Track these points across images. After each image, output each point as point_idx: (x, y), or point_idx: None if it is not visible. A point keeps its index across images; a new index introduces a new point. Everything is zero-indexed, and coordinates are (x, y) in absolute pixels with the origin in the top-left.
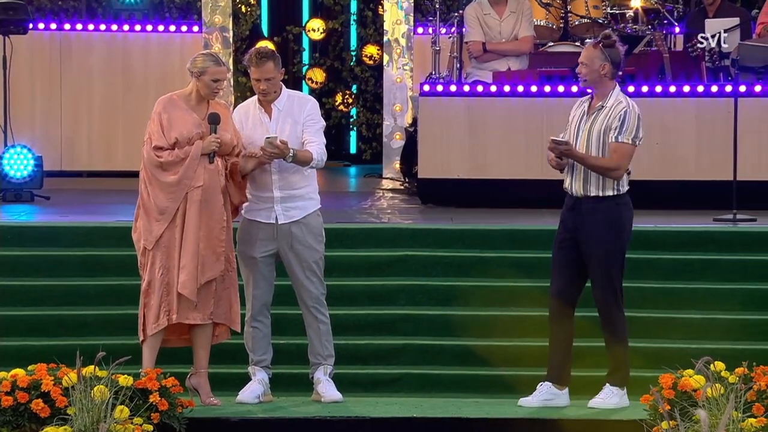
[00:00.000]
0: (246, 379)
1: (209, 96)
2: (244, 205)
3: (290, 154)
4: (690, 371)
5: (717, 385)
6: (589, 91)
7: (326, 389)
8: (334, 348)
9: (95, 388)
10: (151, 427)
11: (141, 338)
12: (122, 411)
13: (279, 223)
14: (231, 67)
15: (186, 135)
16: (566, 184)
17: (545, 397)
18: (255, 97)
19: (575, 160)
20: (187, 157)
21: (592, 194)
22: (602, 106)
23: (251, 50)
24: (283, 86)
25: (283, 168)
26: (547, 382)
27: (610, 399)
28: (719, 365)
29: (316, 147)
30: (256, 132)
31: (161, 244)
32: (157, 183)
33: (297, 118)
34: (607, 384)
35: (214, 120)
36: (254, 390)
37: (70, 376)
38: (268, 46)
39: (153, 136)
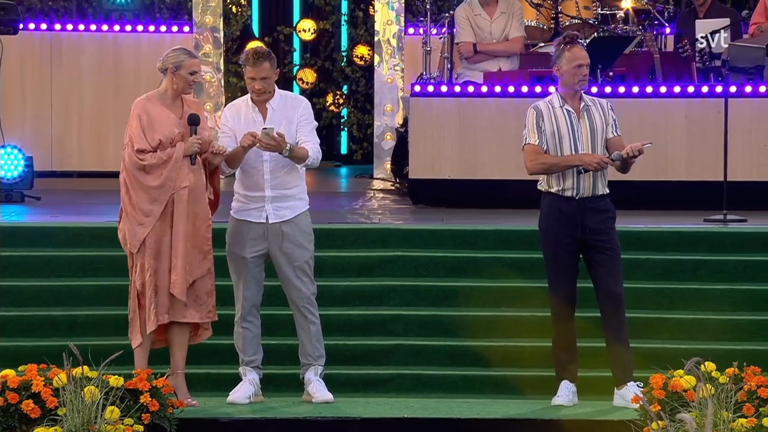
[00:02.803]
0: (237, 379)
1: (185, 90)
2: (234, 205)
3: (287, 148)
4: (680, 371)
5: (708, 385)
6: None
7: (317, 390)
8: (324, 348)
9: (86, 389)
10: (141, 428)
11: (137, 343)
12: (113, 412)
13: (269, 222)
14: (222, 68)
15: (169, 135)
16: (567, 186)
17: (573, 397)
18: (247, 96)
19: (628, 163)
20: (170, 160)
21: (599, 192)
22: (587, 105)
23: (247, 49)
24: (276, 86)
25: (276, 167)
26: (567, 381)
27: (631, 395)
28: (710, 366)
29: (312, 146)
30: (246, 130)
31: (148, 246)
32: (140, 186)
33: (291, 118)
34: (631, 382)
35: (194, 121)
36: (245, 390)
37: (60, 377)
38: (263, 47)
39: (134, 139)
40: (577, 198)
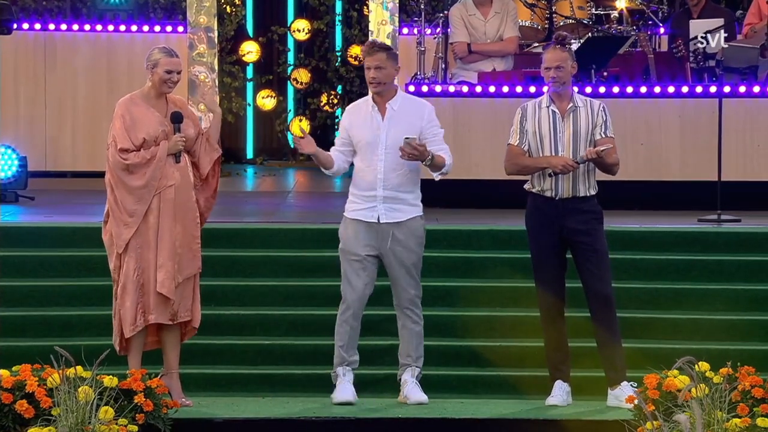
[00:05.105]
0: (231, 379)
1: (164, 89)
2: (347, 206)
3: (429, 157)
4: (675, 372)
5: (701, 385)
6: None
7: (411, 391)
8: (423, 350)
9: (80, 389)
10: (135, 428)
11: (119, 348)
12: (107, 412)
13: (381, 222)
14: (216, 68)
15: (152, 134)
16: (545, 187)
17: (568, 397)
18: (368, 97)
19: (602, 164)
20: (154, 159)
21: (581, 194)
22: (575, 107)
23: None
24: (399, 88)
25: (389, 168)
26: (561, 381)
27: (625, 395)
28: (704, 365)
29: (445, 154)
30: (363, 129)
31: (134, 245)
32: (124, 186)
33: (413, 121)
34: (625, 382)
35: (176, 119)
36: (350, 389)
37: (54, 377)
38: (386, 42)
39: (117, 138)
40: (556, 198)
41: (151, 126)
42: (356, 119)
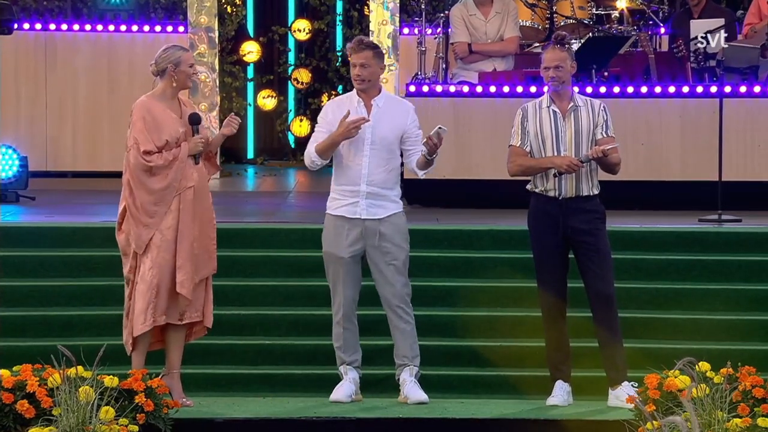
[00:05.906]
0: (232, 379)
1: (189, 83)
2: (328, 203)
3: (436, 154)
4: (676, 372)
5: (702, 385)
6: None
7: (411, 391)
8: (419, 348)
9: (80, 389)
10: (136, 428)
11: (130, 347)
12: (107, 412)
13: (363, 218)
14: (217, 68)
15: (174, 135)
16: (549, 186)
17: (568, 397)
18: (351, 93)
19: (605, 163)
20: (176, 160)
21: (585, 193)
22: (576, 106)
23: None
24: (383, 87)
25: (374, 164)
26: (561, 381)
27: (626, 395)
28: (704, 365)
29: None
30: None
31: (153, 246)
32: (145, 188)
33: (398, 119)
34: (625, 382)
35: (195, 120)
36: (346, 389)
37: (55, 377)
38: (383, 42)
39: (140, 140)
40: (560, 198)
41: (173, 127)
42: (336, 113)
